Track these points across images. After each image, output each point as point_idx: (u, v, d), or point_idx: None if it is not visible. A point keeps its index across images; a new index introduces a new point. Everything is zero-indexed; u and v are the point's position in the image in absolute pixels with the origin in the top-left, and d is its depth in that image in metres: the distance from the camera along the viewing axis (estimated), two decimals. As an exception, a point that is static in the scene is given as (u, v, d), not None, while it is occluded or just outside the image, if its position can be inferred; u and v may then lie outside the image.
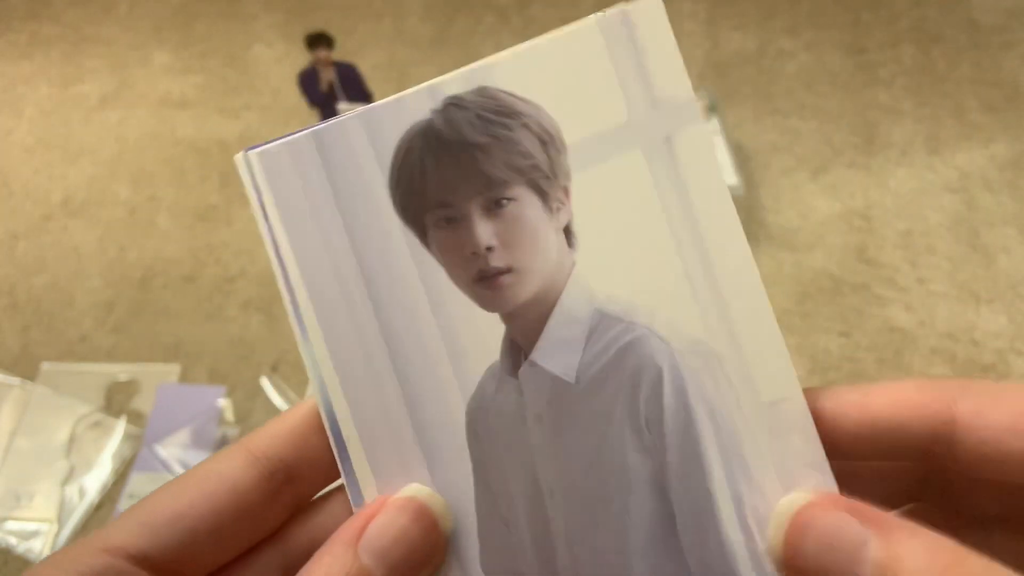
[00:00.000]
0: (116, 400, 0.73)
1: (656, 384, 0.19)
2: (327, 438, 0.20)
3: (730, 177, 0.80)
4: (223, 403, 0.71)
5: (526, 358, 0.20)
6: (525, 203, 0.20)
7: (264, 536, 0.20)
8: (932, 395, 0.19)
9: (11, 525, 0.66)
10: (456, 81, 0.19)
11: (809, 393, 0.20)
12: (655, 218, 0.19)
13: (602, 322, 0.20)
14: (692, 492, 0.19)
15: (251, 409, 0.72)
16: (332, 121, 0.20)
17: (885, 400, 0.19)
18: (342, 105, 0.77)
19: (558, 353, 0.20)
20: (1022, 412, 0.18)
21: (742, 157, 0.91)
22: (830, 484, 0.19)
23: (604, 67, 0.19)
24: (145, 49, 1.08)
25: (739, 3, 1.12)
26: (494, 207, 0.19)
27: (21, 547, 0.64)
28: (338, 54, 0.86)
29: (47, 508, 0.66)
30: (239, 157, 0.20)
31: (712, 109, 0.87)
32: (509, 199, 0.20)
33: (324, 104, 0.84)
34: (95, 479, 0.68)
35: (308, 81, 0.84)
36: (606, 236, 0.20)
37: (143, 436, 0.70)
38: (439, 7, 1.13)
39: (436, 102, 0.19)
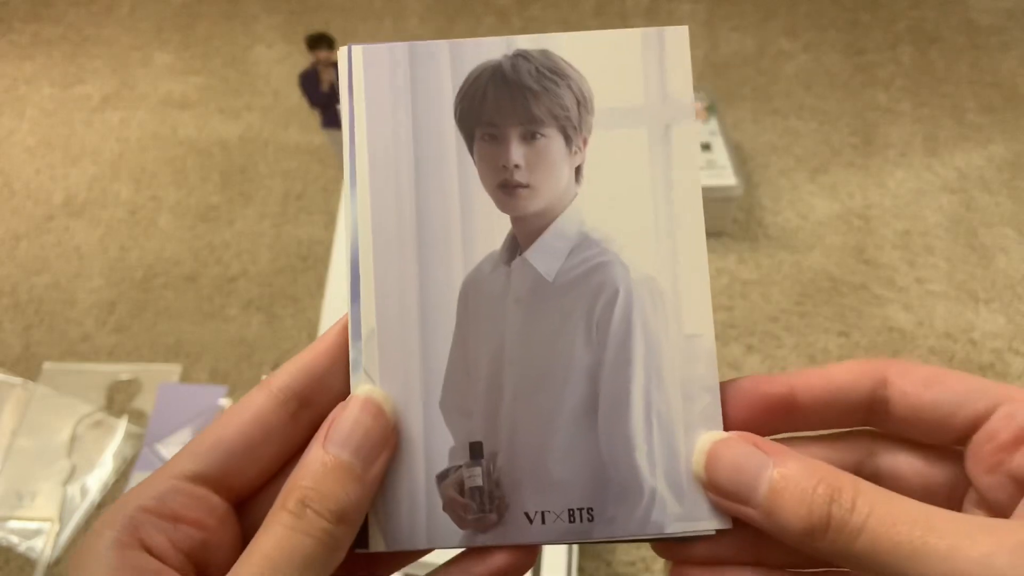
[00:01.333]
0: (117, 400, 0.73)
1: (612, 299, 0.25)
2: (332, 369, 0.25)
3: (729, 177, 0.80)
4: (224, 402, 0.72)
5: (520, 254, 0.26)
6: (552, 141, 0.25)
7: (292, 452, 0.25)
8: (873, 363, 0.24)
9: (13, 524, 0.66)
10: (528, 40, 0.26)
11: (783, 375, 0.25)
12: (642, 180, 0.25)
13: (584, 242, 0.25)
14: (616, 385, 0.25)
15: (252, 408, 0.72)
16: (427, 41, 0.26)
17: (840, 370, 0.24)
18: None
19: (545, 256, 0.25)
20: (934, 372, 0.23)
21: (741, 157, 0.91)
22: (717, 403, 0.25)
23: (636, 63, 0.26)
24: (147, 50, 1.09)
25: (738, 4, 1.12)
26: (529, 137, 0.25)
27: (23, 546, 0.65)
28: (339, 55, 0.86)
29: (49, 507, 0.67)
30: (343, 49, 0.26)
31: (711, 110, 0.87)
32: (542, 135, 0.25)
33: (325, 104, 0.84)
34: (97, 478, 0.68)
35: (309, 82, 0.85)
36: (604, 183, 0.25)
37: (144, 435, 0.70)
38: (439, 8, 1.14)
39: (509, 50, 0.26)
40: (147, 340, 0.77)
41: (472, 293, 0.25)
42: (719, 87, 0.99)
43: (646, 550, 0.61)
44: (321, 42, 0.84)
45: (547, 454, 0.25)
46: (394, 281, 0.25)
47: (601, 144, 0.25)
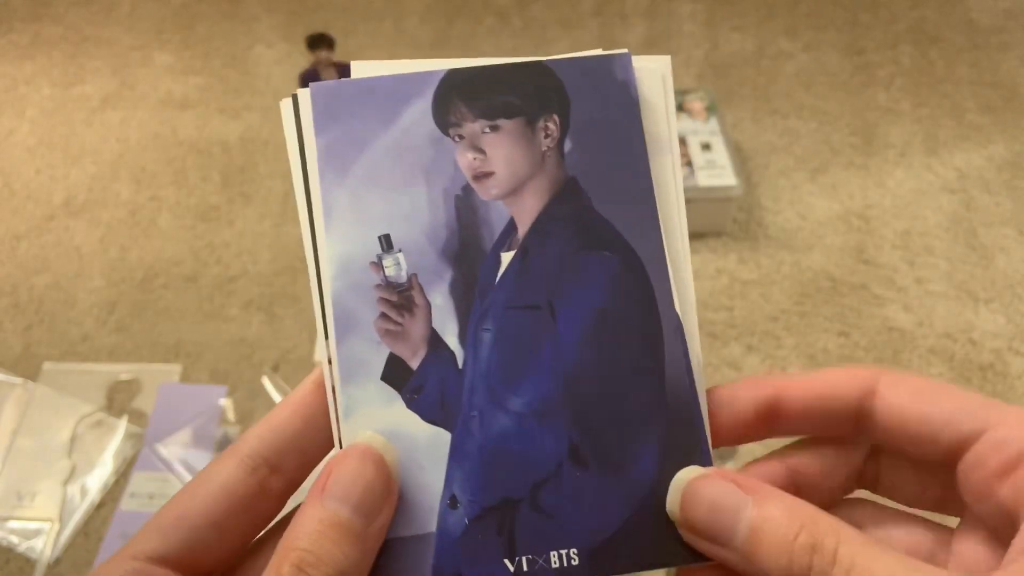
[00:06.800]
0: (118, 400, 0.73)
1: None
2: (305, 431, 0.23)
3: (729, 177, 0.80)
4: (224, 403, 0.72)
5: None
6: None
7: (266, 523, 0.23)
8: (865, 371, 0.23)
9: (13, 524, 0.66)
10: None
11: (773, 378, 0.24)
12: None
13: None
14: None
15: (252, 409, 0.72)
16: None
17: (828, 376, 0.23)
18: (343, 106, 0.77)
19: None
20: (925, 386, 0.22)
21: (741, 157, 0.91)
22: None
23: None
24: (147, 50, 1.09)
25: (738, 4, 1.12)
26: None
27: (23, 546, 0.65)
28: (339, 55, 0.86)
29: (49, 507, 0.67)
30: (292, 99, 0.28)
31: (711, 109, 0.87)
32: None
33: (325, 105, 0.84)
34: (97, 478, 0.68)
35: (309, 82, 0.85)
36: None
37: (144, 435, 0.70)
38: (439, 8, 1.13)
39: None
40: (147, 340, 0.77)
41: None
42: (719, 87, 0.99)
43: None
44: (321, 42, 0.84)
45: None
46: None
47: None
